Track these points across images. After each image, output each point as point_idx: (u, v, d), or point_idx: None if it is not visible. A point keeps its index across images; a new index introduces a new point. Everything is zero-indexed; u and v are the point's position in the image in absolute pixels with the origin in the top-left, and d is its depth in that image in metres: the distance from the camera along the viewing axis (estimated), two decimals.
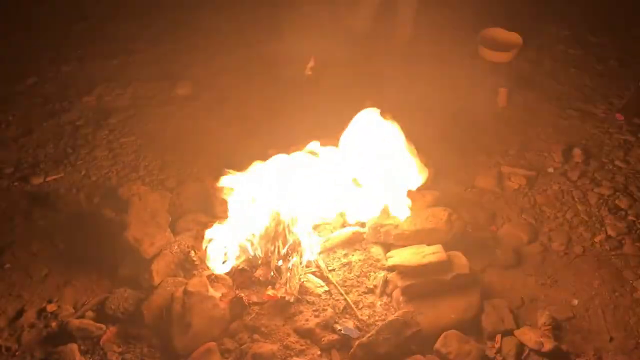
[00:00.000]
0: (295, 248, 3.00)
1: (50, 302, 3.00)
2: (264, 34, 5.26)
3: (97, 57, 5.09)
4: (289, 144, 3.39)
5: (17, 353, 2.76)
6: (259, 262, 3.03)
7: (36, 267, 3.19)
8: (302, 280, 2.96)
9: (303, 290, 2.94)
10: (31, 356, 2.74)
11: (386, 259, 3.08)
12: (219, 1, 5.70)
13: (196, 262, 3.12)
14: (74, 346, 2.69)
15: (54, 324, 2.88)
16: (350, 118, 3.27)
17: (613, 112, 4.36)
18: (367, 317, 2.87)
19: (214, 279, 2.97)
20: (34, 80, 4.81)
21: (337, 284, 2.99)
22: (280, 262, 2.99)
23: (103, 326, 2.81)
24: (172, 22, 5.53)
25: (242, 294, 2.90)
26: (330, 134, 3.32)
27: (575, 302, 3.02)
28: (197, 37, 5.28)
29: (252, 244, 3.03)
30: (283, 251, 3.00)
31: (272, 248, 2.99)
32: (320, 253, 3.14)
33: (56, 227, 3.44)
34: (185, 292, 2.79)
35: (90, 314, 2.92)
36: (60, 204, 3.60)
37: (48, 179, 3.81)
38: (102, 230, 3.32)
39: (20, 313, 2.95)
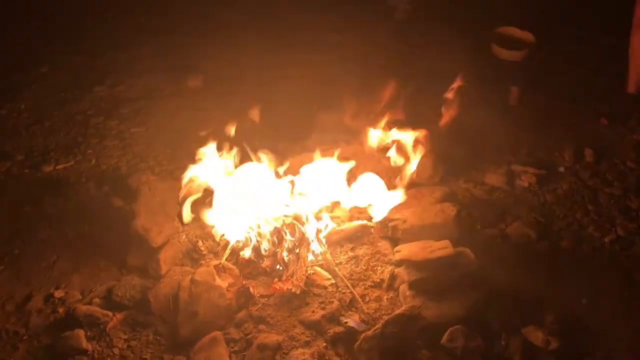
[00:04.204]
0: (302, 240, 3.00)
1: (57, 288, 3.02)
2: (277, 27, 5.26)
3: (109, 48, 5.12)
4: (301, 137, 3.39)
5: (24, 337, 2.78)
6: (266, 253, 3.03)
7: (45, 253, 3.21)
8: (309, 272, 2.96)
9: (310, 282, 2.93)
10: (38, 341, 2.76)
11: (394, 253, 3.07)
12: None
13: (203, 252, 3.13)
14: (80, 332, 2.71)
15: (61, 310, 2.90)
16: None
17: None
18: (373, 311, 2.86)
19: (221, 269, 2.97)
20: (46, 69, 4.83)
21: (343, 277, 2.98)
22: (287, 254, 2.99)
23: (110, 313, 2.81)
24: (184, 14, 5.54)
25: (249, 285, 2.90)
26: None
27: (584, 301, 2.99)
28: (208, 29, 5.27)
29: (260, 235, 3.03)
30: (290, 243, 3.00)
31: (280, 239, 2.99)
32: (327, 246, 3.14)
33: (65, 214, 3.46)
34: (192, 281, 2.79)
35: (97, 300, 2.93)
36: (70, 192, 3.62)
37: (58, 167, 3.84)
38: (110, 218, 3.34)
39: (28, 298, 2.97)
